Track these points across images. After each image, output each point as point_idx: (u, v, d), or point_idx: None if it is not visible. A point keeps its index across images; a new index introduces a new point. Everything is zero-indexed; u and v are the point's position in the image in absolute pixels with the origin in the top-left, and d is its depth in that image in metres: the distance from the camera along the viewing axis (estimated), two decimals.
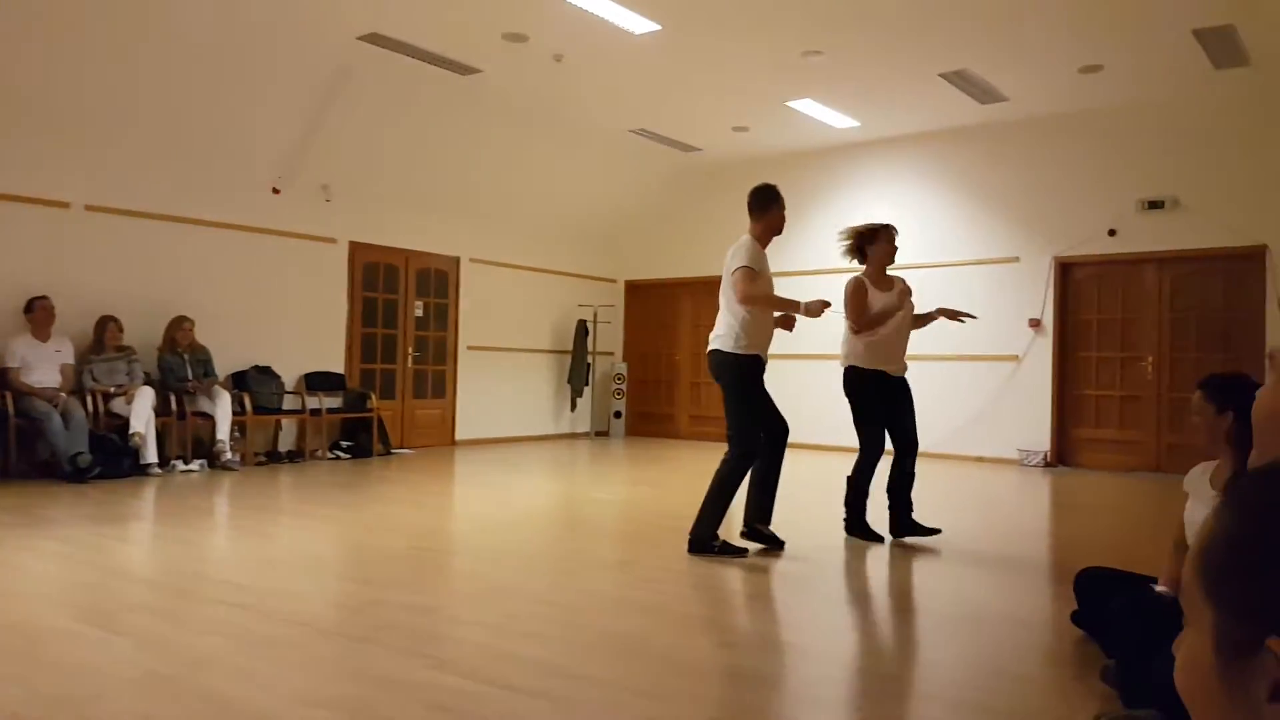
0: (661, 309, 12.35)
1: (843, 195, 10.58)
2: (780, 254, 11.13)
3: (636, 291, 12.59)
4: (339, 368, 9.28)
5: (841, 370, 5.09)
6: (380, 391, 9.58)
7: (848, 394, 5.04)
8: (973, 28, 6.98)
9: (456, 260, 10.55)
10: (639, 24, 7.00)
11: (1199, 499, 2.72)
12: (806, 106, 9.09)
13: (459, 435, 10.54)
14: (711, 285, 12.79)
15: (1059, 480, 8.15)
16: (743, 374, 4.63)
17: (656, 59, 7.77)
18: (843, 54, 7.58)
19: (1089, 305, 9.16)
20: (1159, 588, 2.86)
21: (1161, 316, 8.78)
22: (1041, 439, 9.18)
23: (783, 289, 10.99)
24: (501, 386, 11.06)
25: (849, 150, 10.47)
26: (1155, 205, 8.65)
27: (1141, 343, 8.87)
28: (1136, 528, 5.81)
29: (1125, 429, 8.92)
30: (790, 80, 8.32)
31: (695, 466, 8.82)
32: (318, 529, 5.13)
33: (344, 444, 8.89)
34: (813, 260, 10.61)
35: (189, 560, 4.24)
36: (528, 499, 6.49)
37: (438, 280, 10.40)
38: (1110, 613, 2.46)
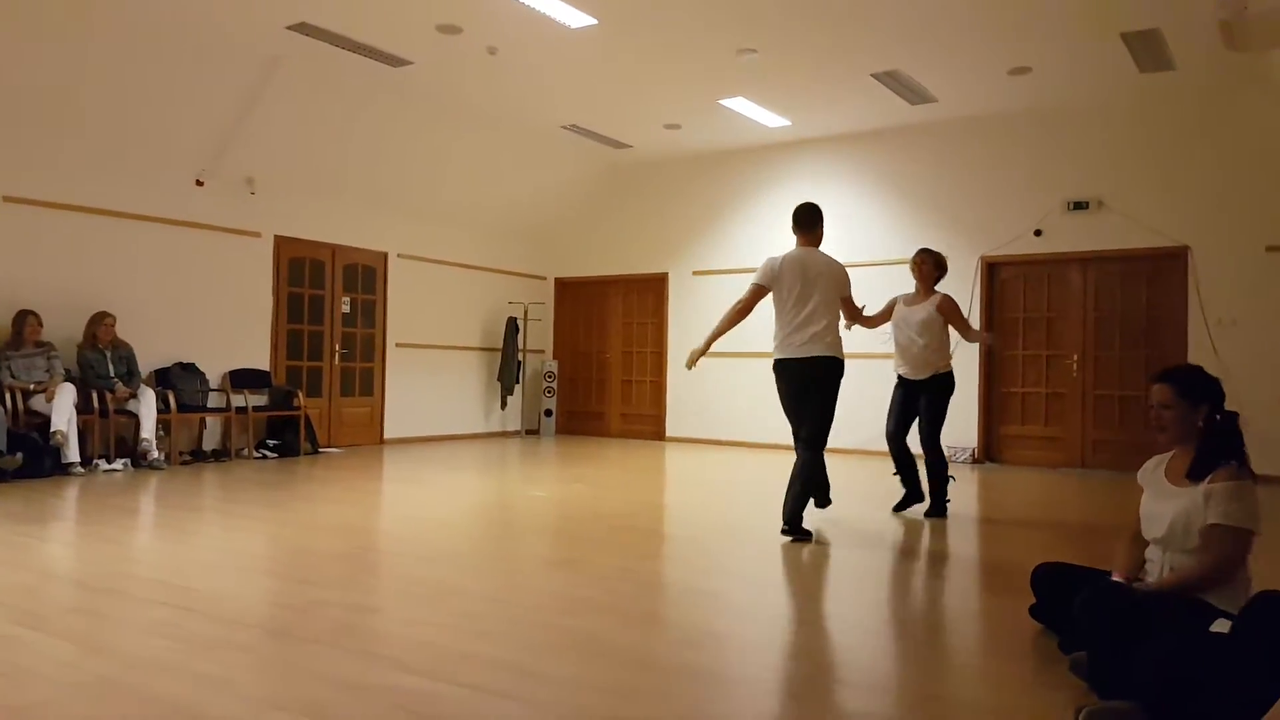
0: (592, 306, 12.27)
1: (774, 194, 10.66)
2: (712, 252, 11.18)
3: (567, 289, 12.48)
4: (264, 365, 8.97)
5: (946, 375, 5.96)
6: (307, 389, 9.29)
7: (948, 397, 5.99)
8: (905, 28, 7.08)
9: (384, 256, 10.30)
10: (575, 18, 6.92)
11: (1154, 492, 2.76)
12: (739, 105, 9.13)
13: (387, 434, 10.29)
14: (642, 283, 12.89)
15: (987, 476, 8.34)
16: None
17: (591, 54, 7.70)
18: (776, 53, 7.62)
19: (1015, 304, 9.40)
20: (1114, 579, 2.91)
21: (1086, 315, 9.05)
22: (969, 436, 9.38)
23: (714, 287, 11.13)
24: (430, 384, 10.84)
25: (780, 149, 10.56)
26: (1080, 206, 8.92)
27: (1066, 341, 9.13)
28: (1069, 522, 5.97)
29: (1051, 426, 9.18)
30: (723, 78, 8.34)
31: (629, 464, 8.77)
32: (252, 529, 4.92)
33: (270, 443, 8.61)
34: (746, 258, 10.66)
35: (123, 561, 4.02)
36: (464, 498, 6.35)
37: (365, 276, 10.13)
38: (1078, 607, 2.47)
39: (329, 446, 9.50)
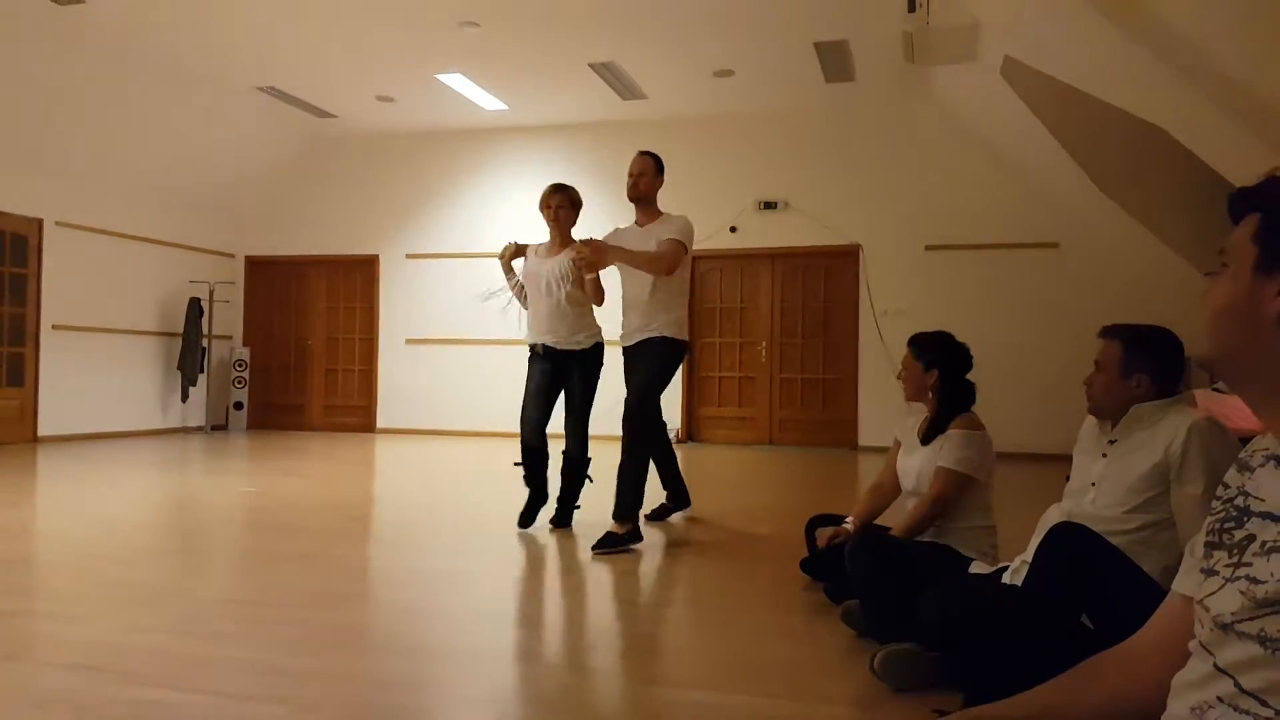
0: (289, 289, 11.42)
1: (490, 179, 10.55)
2: (426, 236, 10.85)
3: (260, 269, 11.51)
4: None
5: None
6: None
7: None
8: (623, 19, 7.27)
9: (39, 223, 8.92)
10: None
11: (907, 447, 3.06)
12: (457, 82, 8.92)
13: (42, 430, 8.93)
14: (350, 265, 12.15)
15: (692, 454, 8.83)
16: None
17: (299, 6, 7.13)
18: (499, 28, 7.51)
19: (713, 295, 10.04)
20: (846, 523, 3.19)
21: (773, 306, 9.88)
22: (673, 417, 9.88)
23: (430, 271, 10.77)
24: (96, 374, 9.55)
25: (497, 134, 10.47)
26: (770, 206, 9.71)
27: (757, 329, 9.91)
28: (777, 490, 6.47)
29: (744, 406, 9.92)
30: (443, 51, 8.10)
31: (342, 457, 8.30)
32: None
33: None
34: (463, 242, 10.49)
35: None
36: (158, 495, 5.67)
37: (14, 246, 8.71)
38: (848, 557, 2.67)
39: None
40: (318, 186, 11.21)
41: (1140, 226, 7.72)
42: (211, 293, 10.80)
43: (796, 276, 9.80)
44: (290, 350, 11.38)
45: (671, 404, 9.88)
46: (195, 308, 10.40)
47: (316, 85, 9.13)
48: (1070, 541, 2.10)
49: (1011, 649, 1.95)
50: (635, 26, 7.41)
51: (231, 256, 11.44)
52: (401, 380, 10.85)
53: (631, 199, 4.65)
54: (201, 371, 10.52)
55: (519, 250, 4.70)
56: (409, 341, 10.83)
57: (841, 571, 2.75)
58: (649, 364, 4.42)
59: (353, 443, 9.63)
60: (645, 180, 4.62)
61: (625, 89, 8.95)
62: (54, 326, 9.05)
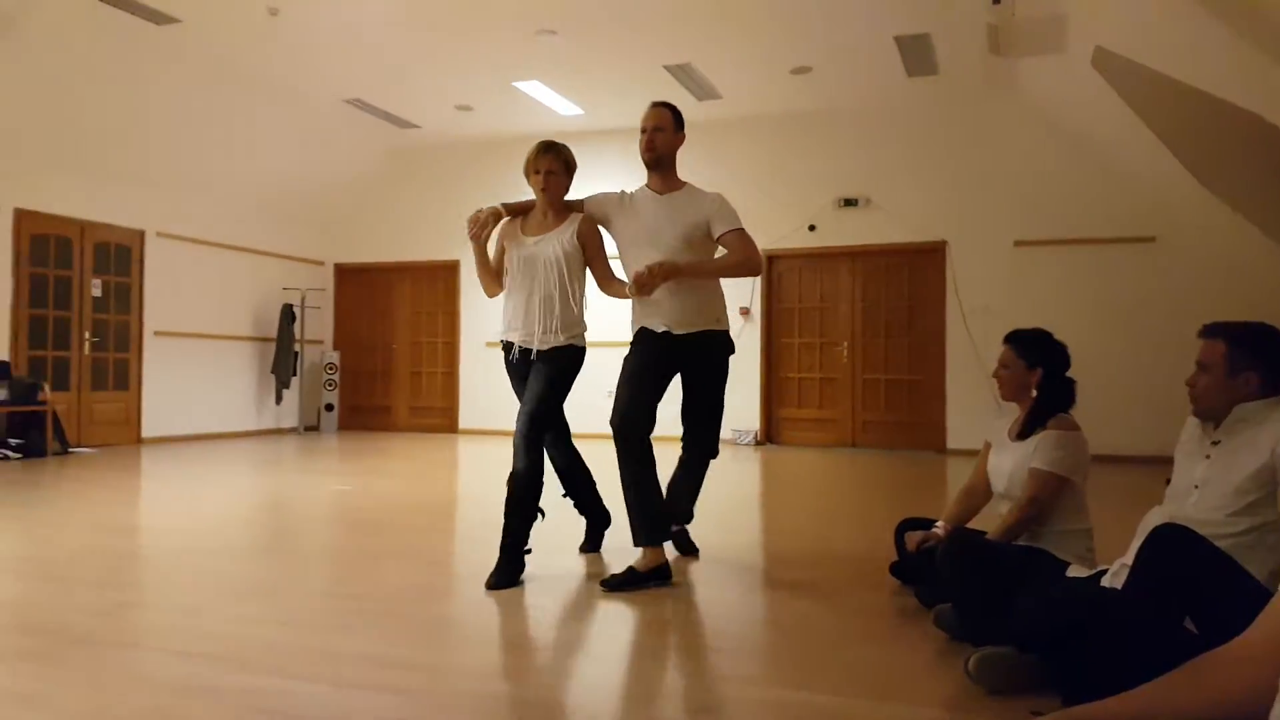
0: (376, 294, 11.76)
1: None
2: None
3: (348, 275, 11.88)
4: (3, 354, 7.89)
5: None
6: (53, 382, 8.26)
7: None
8: (699, 21, 7.29)
9: (141, 234, 9.36)
10: None
11: (998, 448, 3.01)
12: (533, 89, 9.06)
13: (146, 432, 9.36)
14: (432, 270, 12.46)
15: (771, 456, 8.80)
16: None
17: (382, 22, 7.34)
18: (576, 35, 7.61)
19: (791, 295, 9.97)
20: (937, 527, 3.16)
21: (854, 305, 9.76)
22: (752, 420, 9.86)
23: None
24: (196, 377, 9.96)
25: (572, 138, 10.38)
26: (850, 203, 9.60)
27: (837, 329, 9.81)
28: (861, 493, 6.42)
29: (824, 408, 9.82)
30: (520, 60, 8.24)
31: (428, 457, 8.51)
32: (18, 533, 4.31)
33: (12, 442, 7.59)
34: None
35: None
36: (258, 494, 5.90)
37: (119, 256, 9.15)
38: (941, 560, 2.65)
39: (80, 446, 8.51)
40: (400, 195, 11.50)
41: (1242, 218, 7.42)
42: (303, 299, 11.17)
43: (879, 275, 9.67)
44: (377, 354, 11.71)
45: (749, 405, 9.86)
46: (288, 314, 10.78)
47: (399, 96, 9.37)
48: (1172, 544, 2.06)
49: (1111, 652, 1.92)
50: (710, 28, 7.43)
51: (321, 264, 11.81)
52: (482, 382, 11.05)
53: (648, 162, 3.77)
54: (294, 375, 10.91)
55: (497, 217, 3.75)
56: (489, 345, 11.02)
57: (932, 576, 2.73)
58: (717, 373, 3.89)
59: (436, 443, 9.85)
60: (663, 137, 3.76)
61: (700, 89, 8.97)
62: (156, 333, 9.48)
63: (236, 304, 10.54)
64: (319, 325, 11.71)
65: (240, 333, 10.58)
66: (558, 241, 3.63)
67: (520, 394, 3.67)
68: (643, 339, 3.74)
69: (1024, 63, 7.94)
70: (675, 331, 3.68)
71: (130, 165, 9.00)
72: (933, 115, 9.33)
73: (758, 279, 9.86)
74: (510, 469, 3.50)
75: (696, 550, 4.03)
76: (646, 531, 3.45)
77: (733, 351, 3.93)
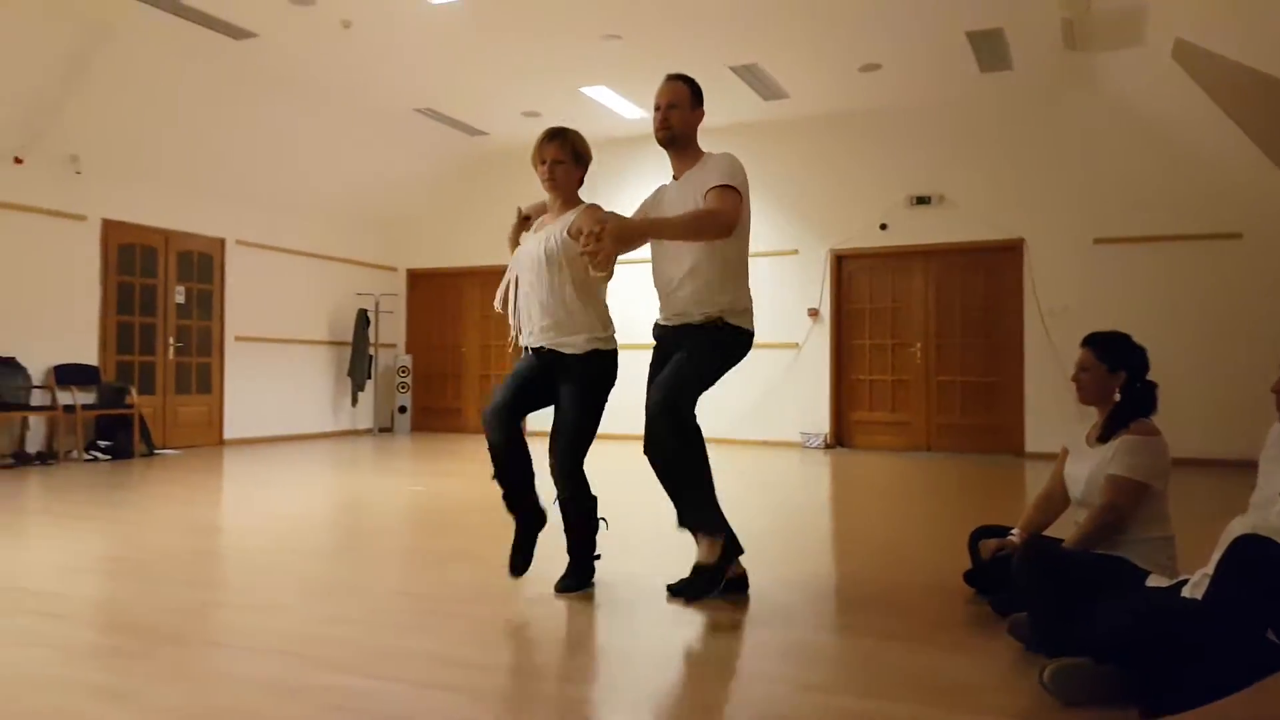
0: (447, 299, 11.96)
1: (631, 188, 10.68)
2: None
3: (420, 280, 12.12)
4: (92, 359, 8.23)
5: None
6: (139, 386, 8.60)
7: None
8: (765, 21, 7.25)
9: (222, 242, 9.67)
10: None
11: (1075, 454, 2.94)
12: (600, 94, 9.12)
13: (228, 434, 9.67)
14: (499, 275, 12.47)
15: (842, 460, 8.70)
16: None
17: (452, 33, 7.47)
18: (641, 39, 7.64)
19: (862, 295, 9.85)
20: (1012, 535, 3.10)
21: (928, 306, 9.59)
22: (821, 422, 9.76)
23: None
24: (275, 381, 10.27)
25: (638, 142, 10.60)
26: (923, 200, 9.44)
27: (910, 330, 9.65)
28: (935, 499, 6.31)
29: (897, 411, 9.67)
30: (586, 65, 8.30)
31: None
32: (104, 531, 4.51)
33: (101, 444, 7.92)
34: None
35: None
36: (334, 495, 6.06)
37: (201, 264, 9.48)
38: (1016, 568, 2.60)
39: (165, 448, 8.83)
40: (470, 201, 11.68)
41: None
42: (377, 304, 11.43)
43: (953, 274, 9.48)
44: (447, 357, 11.92)
45: (819, 408, 9.77)
46: (363, 318, 11.05)
47: (468, 105, 9.52)
48: (1256, 554, 1.99)
49: (1192, 664, 1.87)
50: (777, 28, 7.39)
51: (394, 270, 12.07)
52: None
53: (662, 141, 3.32)
54: (369, 378, 11.17)
55: (528, 219, 3.52)
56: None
57: (1007, 584, 2.67)
58: (694, 351, 3.17)
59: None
60: (678, 114, 3.28)
61: (766, 89, 8.93)
62: (237, 338, 9.79)
63: (313, 309, 10.82)
64: (392, 329, 11.97)
65: (317, 337, 10.86)
66: (545, 235, 3.25)
67: (518, 376, 3.31)
68: (658, 335, 3.41)
69: (1100, 57, 7.72)
70: (665, 322, 3.32)
71: (211, 176, 9.31)
72: (1007, 111, 9.12)
73: (826, 278, 9.78)
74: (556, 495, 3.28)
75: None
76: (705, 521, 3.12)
77: (725, 342, 3.21)
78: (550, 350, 3.25)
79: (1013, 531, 3.10)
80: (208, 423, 9.51)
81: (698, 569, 3.11)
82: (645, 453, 3.25)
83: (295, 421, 10.50)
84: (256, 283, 10.05)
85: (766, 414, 9.95)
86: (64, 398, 7.78)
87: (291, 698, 2.26)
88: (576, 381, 3.23)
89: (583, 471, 3.28)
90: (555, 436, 3.25)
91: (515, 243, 3.50)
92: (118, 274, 8.57)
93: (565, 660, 2.61)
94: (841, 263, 9.87)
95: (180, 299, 9.23)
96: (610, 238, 2.79)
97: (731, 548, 3.18)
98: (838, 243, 9.81)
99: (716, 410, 9.98)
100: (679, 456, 3.11)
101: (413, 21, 7.25)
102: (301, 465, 7.80)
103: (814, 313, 9.82)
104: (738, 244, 3.23)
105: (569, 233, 3.16)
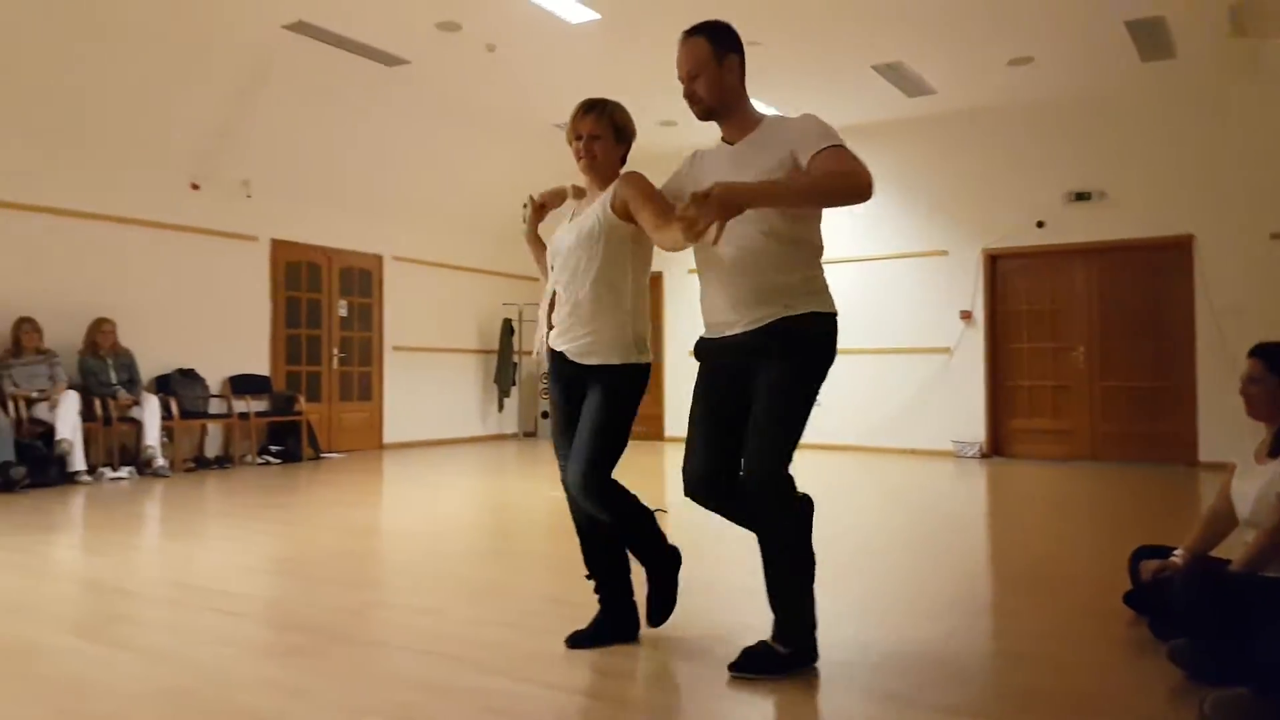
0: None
1: None
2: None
3: None
4: (264, 370, 8.83)
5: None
6: (306, 394, 9.15)
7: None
8: (909, 20, 7.05)
9: (380, 258, 10.17)
10: (577, 13, 6.84)
11: (1243, 471, 2.73)
12: None
13: (387, 438, 10.15)
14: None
15: (999, 470, 8.32)
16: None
17: (591, 50, 7.61)
18: (779, 45, 7.56)
19: (1018, 296, 9.40)
20: (1175, 555, 2.88)
21: (1091, 307, 9.05)
22: (976, 430, 9.37)
23: None
24: (428, 388, 10.71)
25: None
26: (1083, 197, 8.93)
27: (1072, 333, 9.13)
28: (1098, 512, 5.96)
29: (1059, 419, 9.17)
30: None
31: (629, 464, 8.69)
32: (276, 532, 4.79)
33: (273, 448, 8.49)
34: None
35: (159, 568, 3.91)
36: (485, 498, 6.24)
37: (361, 279, 9.99)
38: (1178, 591, 2.42)
39: (330, 451, 9.34)
40: None
41: None
42: (520, 313, 11.76)
43: (1117, 272, 8.91)
44: None
45: (974, 415, 9.38)
46: (507, 327, 11.40)
47: None
48: None
49: None
50: (921, 24, 7.16)
51: (535, 280, 12.35)
52: (686, 390, 11.12)
53: (699, 115, 2.71)
54: (513, 384, 11.51)
55: (543, 207, 3.04)
56: (690, 354, 11.14)
57: (1168, 607, 2.49)
58: (787, 374, 2.49)
59: (645, 451, 10.04)
60: (704, 82, 2.63)
61: (911, 86, 8.66)
62: (394, 348, 10.27)
63: (462, 319, 11.24)
64: (534, 337, 12.25)
65: (466, 346, 11.27)
66: (586, 218, 2.74)
67: (570, 421, 2.79)
68: (703, 353, 2.73)
69: (1270, 43, 7.13)
70: (729, 333, 2.60)
71: (369, 196, 9.80)
72: (1170, 101, 8.52)
73: (979, 279, 9.39)
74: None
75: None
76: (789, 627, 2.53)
77: (818, 345, 2.53)
78: (574, 362, 2.75)
79: (1176, 552, 2.89)
80: (368, 428, 10.00)
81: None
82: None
83: (448, 426, 10.92)
84: (411, 295, 10.51)
85: (916, 421, 9.63)
86: (239, 406, 8.36)
87: (446, 698, 2.32)
88: (605, 385, 2.71)
89: (611, 479, 2.74)
90: (577, 440, 2.72)
91: (534, 237, 3.05)
92: (285, 290, 9.14)
93: (704, 671, 2.58)
94: (995, 263, 9.46)
95: (343, 312, 9.75)
96: (718, 202, 2.16)
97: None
98: (991, 242, 9.41)
99: (862, 417, 9.81)
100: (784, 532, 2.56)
101: (552, 41, 7.42)
102: (453, 468, 8.09)
103: (967, 315, 9.45)
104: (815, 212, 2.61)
105: (612, 206, 2.68)
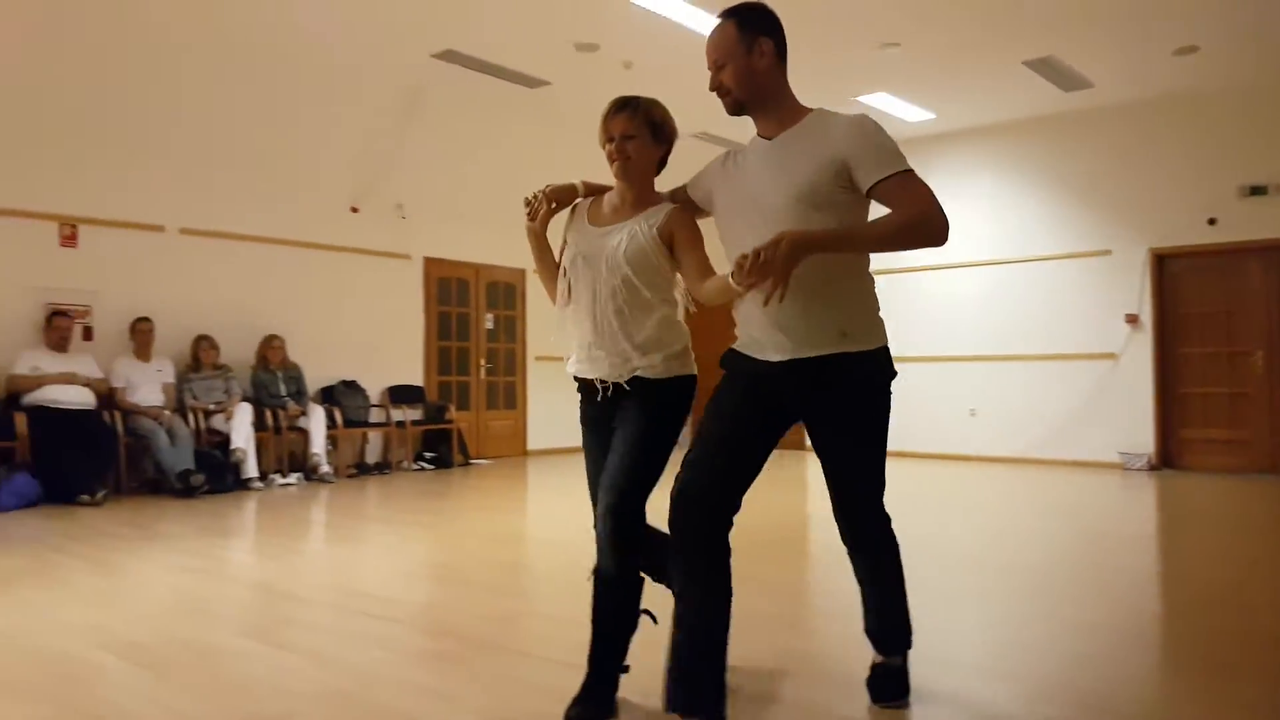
0: (719, 315, 12.09)
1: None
2: None
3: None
4: (418, 380, 9.29)
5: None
6: (456, 403, 9.57)
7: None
8: (1060, 14, 6.74)
9: (523, 272, 10.48)
10: (709, 24, 6.85)
11: None
12: (879, 100, 8.86)
13: (530, 445, 10.45)
14: None
15: (1169, 483, 7.79)
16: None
17: None
18: (921, 45, 7.36)
19: (1189, 298, 8.78)
20: None
21: (1270, 308, 8.38)
22: (1144, 441, 8.80)
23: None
24: (568, 396, 10.83)
25: (923, 143, 10.18)
26: (1258, 191, 8.27)
27: (1248, 336, 8.47)
28: (1276, 531, 5.50)
29: (1235, 428, 8.51)
30: (862, 74, 8.11)
31: (773, 475, 8.61)
32: (431, 539, 5.02)
33: (426, 455, 8.95)
34: (889, 258, 10.21)
35: (324, 573, 4.16)
36: None
37: (506, 292, 10.34)
38: None
39: (478, 458, 9.70)
40: None
41: None
42: None
43: None
44: (717, 372, 12.04)
45: (1142, 425, 8.81)
46: None
47: (741, 123, 9.56)
48: None
49: None
50: (1074, 17, 6.82)
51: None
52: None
53: (729, 109, 2.46)
54: None
55: (553, 204, 2.67)
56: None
57: None
58: (865, 418, 2.32)
59: (786, 460, 9.91)
60: (732, 71, 2.37)
61: (1066, 80, 8.25)
62: (536, 358, 10.56)
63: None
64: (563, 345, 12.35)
65: None
66: (630, 231, 2.47)
67: (594, 452, 2.58)
68: (735, 370, 2.42)
69: None
70: (782, 358, 2.29)
71: (512, 213, 10.01)
72: None
73: (1146, 280, 8.83)
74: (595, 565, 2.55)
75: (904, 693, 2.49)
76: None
77: (887, 380, 2.31)
78: (615, 383, 2.49)
79: None
80: (513, 435, 10.32)
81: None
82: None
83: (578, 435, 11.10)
84: (551, 307, 10.71)
85: (1079, 432, 9.13)
86: (396, 415, 8.83)
87: None
88: (647, 401, 2.45)
89: (644, 519, 2.53)
90: (609, 465, 2.48)
91: (542, 236, 2.71)
92: (437, 305, 9.57)
93: (841, 700, 2.52)
94: (1163, 263, 8.88)
95: (489, 325, 10.11)
96: (782, 258, 1.94)
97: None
98: (1158, 241, 8.84)
99: (1021, 428, 9.35)
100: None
101: (687, 54, 7.44)
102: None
103: (1133, 319, 8.90)
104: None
105: (659, 231, 2.46)
